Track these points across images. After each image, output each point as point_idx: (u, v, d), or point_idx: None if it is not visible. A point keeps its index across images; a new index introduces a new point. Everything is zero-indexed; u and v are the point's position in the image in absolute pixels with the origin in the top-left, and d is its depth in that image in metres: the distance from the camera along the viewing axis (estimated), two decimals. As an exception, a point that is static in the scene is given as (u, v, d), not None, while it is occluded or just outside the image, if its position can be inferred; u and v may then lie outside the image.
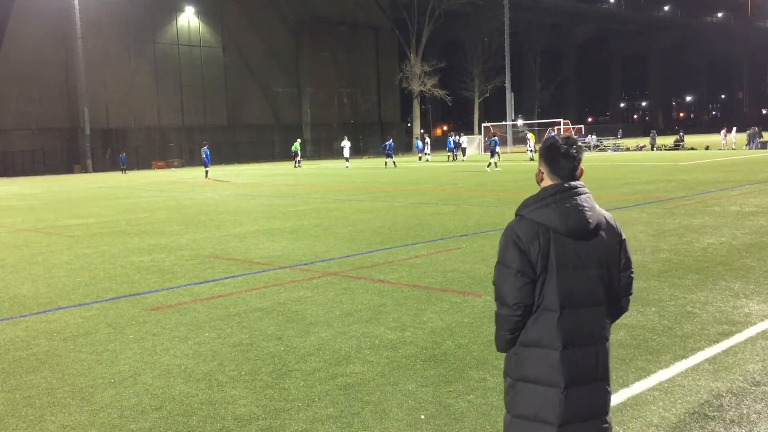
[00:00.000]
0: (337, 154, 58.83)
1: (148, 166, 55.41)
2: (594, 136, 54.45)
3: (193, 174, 39.15)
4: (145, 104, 57.53)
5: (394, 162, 40.43)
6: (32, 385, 5.11)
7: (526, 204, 2.55)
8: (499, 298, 2.56)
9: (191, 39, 60.96)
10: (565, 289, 2.45)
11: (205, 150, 35.20)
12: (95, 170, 52.25)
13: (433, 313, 6.62)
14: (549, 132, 51.70)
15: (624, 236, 2.62)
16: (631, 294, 2.67)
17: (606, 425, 2.51)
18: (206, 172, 34.94)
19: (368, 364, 5.26)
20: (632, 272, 2.65)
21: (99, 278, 9.10)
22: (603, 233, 2.53)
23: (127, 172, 48.53)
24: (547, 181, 2.57)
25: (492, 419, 4.18)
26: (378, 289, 7.78)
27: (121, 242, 12.44)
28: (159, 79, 58.39)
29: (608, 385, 2.54)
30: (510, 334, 2.54)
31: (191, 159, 57.36)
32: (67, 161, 53.25)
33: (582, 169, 2.58)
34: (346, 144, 43.01)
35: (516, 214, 2.58)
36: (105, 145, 55.24)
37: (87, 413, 4.52)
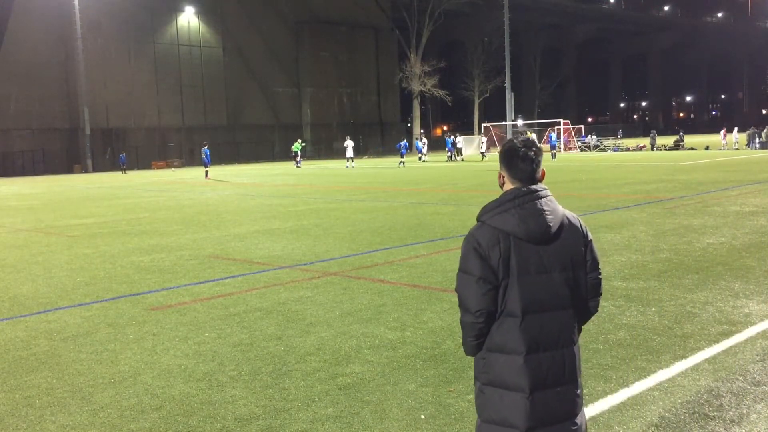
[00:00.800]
0: (337, 154, 58.92)
1: (148, 166, 55.43)
2: (594, 136, 54.43)
3: (193, 174, 39.18)
4: (145, 104, 57.55)
5: (403, 162, 40.85)
6: (32, 385, 5.11)
7: (486, 209, 2.54)
8: (463, 306, 2.56)
9: (191, 39, 60.98)
10: (528, 295, 2.43)
11: (205, 150, 35.28)
12: (95, 170, 52.27)
13: (433, 313, 6.62)
14: (548, 132, 51.68)
15: (590, 237, 2.59)
16: (600, 295, 2.63)
17: (575, 427, 2.49)
18: (206, 172, 34.99)
19: (368, 364, 5.26)
20: (600, 273, 2.61)
21: (99, 278, 9.10)
22: (566, 236, 2.50)
23: (127, 172, 48.55)
24: (509, 185, 2.56)
25: (492, 419, 4.18)
26: (378, 289, 7.78)
27: (121, 242, 12.44)
28: (159, 79, 58.42)
29: (577, 387, 2.52)
30: (475, 340, 2.54)
31: (191, 159, 57.41)
32: (67, 161, 53.28)
33: (544, 171, 2.57)
34: (349, 144, 43.07)
35: (477, 220, 2.56)
36: (105, 145, 55.26)
37: (87, 413, 4.52)
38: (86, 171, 51.85)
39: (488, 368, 2.52)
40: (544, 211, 2.46)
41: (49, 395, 4.87)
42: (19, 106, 51.66)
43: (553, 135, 45.56)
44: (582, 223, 2.59)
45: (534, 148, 2.53)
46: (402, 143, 44.22)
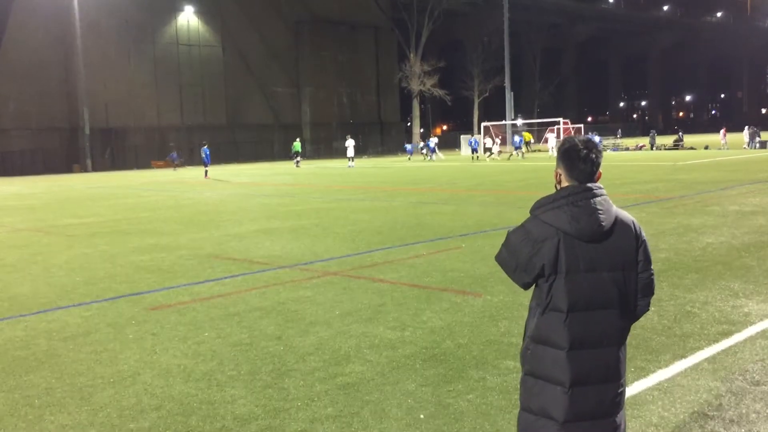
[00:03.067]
0: (337, 153, 58.92)
1: (147, 165, 55.38)
2: (596, 135, 54.41)
3: (194, 173, 39.17)
4: (145, 104, 57.47)
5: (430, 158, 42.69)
6: (31, 384, 5.11)
7: (540, 204, 2.55)
8: (503, 268, 2.66)
9: (191, 38, 60.91)
10: (575, 292, 2.45)
11: (205, 150, 35.35)
12: (94, 170, 52.22)
13: (433, 313, 6.62)
14: (548, 132, 51.67)
15: (644, 237, 2.59)
16: (651, 294, 2.64)
17: (614, 426, 2.51)
18: (206, 171, 35.01)
19: (368, 363, 5.26)
20: (652, 273, 2.62)
21: (98, 278, 9.10)
22: (618, 236, 2.51)
23: (177, 169, 49.35)
24: (565, 183, 2.56)
25: (491, 419, 4.18)
26: (377, 288, 7.78)
27: (120, 242, 12.44)
28: (158, 79, 58.34)
29: (619, 387, 2.53)
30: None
31: (191, 158, 57.32)
32: (66, 161, 53.21)
33: (600, 172, 2.57)
34: (350, 143, 43.18)
35: (530, 213, 2.59)
36: (104, 144, 55.20)
37: (86, 413, 4.52)
38: (85, 171, 51.80)
39: (532, 359, 2.56)
40: (598, 209, 2.46)
41: (48, 395, 4.87)
42: (18, 105, 51.60)
43: (516, 137, 46.23)
44: (636, 223, 2.59)
45: (595, 150, 2.54)
46: (432, 139, 47.85)
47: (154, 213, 17.67)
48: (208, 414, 4.42)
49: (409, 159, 49.48)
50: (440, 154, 48.96)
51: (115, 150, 56.06)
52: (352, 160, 42.53)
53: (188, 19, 60.58)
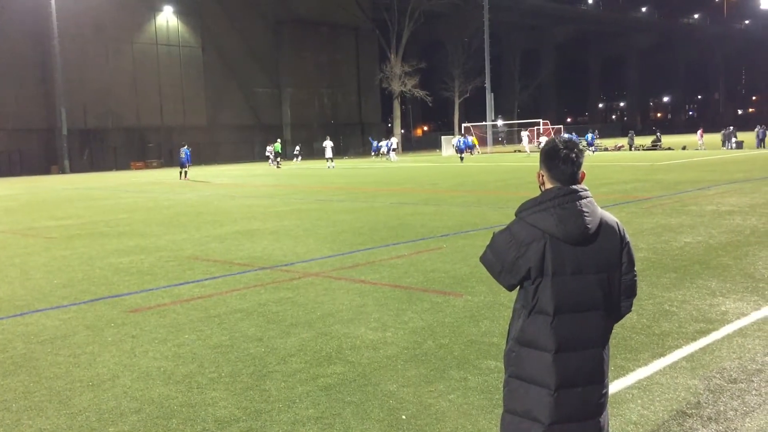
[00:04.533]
0: (318, 154, 58.75)
1: (126, 166, 54.91)
2: (574, 136, 54.80)
3: (175, 174, 38.85)
4: (124, 104, 56.94)
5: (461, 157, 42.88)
6: (8, 388, 5.04)
7: (525, 207, 2.55)
8: (488, 270, 2.67)
9: (170, 39, 60.47)
10: (561, 295, 2.46)
11: (185, 150, 35.31)
12: (73, 171, 51.67)
13: (414, 313, 6.63)
14: (523, 131, 52.05)
15: (628, 239, 2.60)
16: (634, 296, 2.66)
17: (598, 426, 2.53)
18: (185, 172, 34.93)
19: (349, 364, 5.25)
20: (635, 275, 2.63)
21: (77, 280, 9.00)
22: (603, 238, 2.51)
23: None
24: (549, 185, 2.56)
25: (473, 419, 4.20)
26: (359, 289, 7.77)
27: (99, 244, 12.32)
28: (137, 79, 57.83)
29: (603, 388, 2.55)
30: None
31: (170, 160, 56.92)
32: (44, 162, 52.58)
33: (584, 172, 2.58)
34: (328, 144, 43.26)
35: (515, 215, 2.58)
36: (82, 145, 54.61)
37: (65, 417, 4.47)
38: (64, 172, 51.22)
39: (517, 362, 2.55)
40: (584, 212, 2.47)
41: (26, 399, 4.81)
42: (-6, 106, 50.91)
43: (462, 139, 46.96)
44: (620, 225, 2.60)
45: (576, 150, 2.54)
46: (466, 138, 48.24)
47: (134, 214, 17.52)
48: (188, 417, 4.39)
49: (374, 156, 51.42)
50: (395, 156, 50.02)
51: (94, 151, 55.47)
52: (332, 161, 42.66)
53: (167, 18, 60.13)
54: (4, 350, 5.98)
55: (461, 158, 42.71)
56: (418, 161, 46.55)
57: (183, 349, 5.81)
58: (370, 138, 56.56)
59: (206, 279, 8.73)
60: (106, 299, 7.80)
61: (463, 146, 45.06)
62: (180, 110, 61.03)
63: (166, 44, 60.12)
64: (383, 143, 53.17)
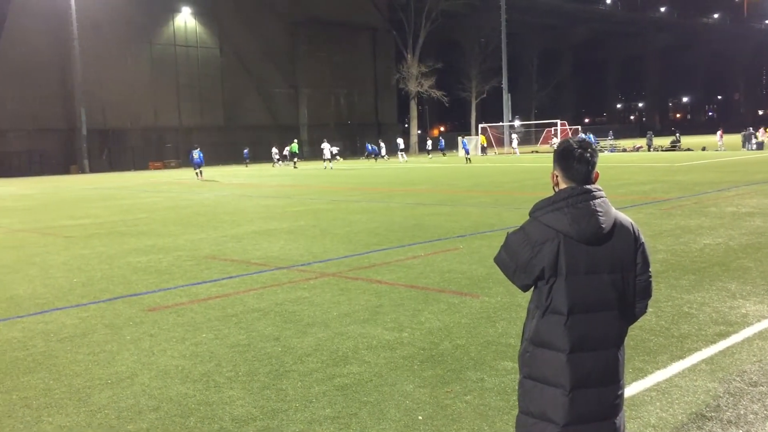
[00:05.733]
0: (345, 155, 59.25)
1: (145, 166, 55.34)
2: (590, 136, 54.55)
3: (192, 175, 39.11)
4: (142, 105, 57.46)
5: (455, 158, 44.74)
6: (29, 386, 5.10)
7: (539, 206, 2.55)
8: (502, 270, 2.67)
9: (188, 39, 60.92)
10: (575, 295, 2.46)
11: (198, 152, 35.89)
12: (92, 171, 52.18)
13: (431, 314, 6.62)
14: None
15: (642, 240, 2.59)
16: (649, 297, 2.64)
17: (613, 428, 2.52)
18: (201, 172, 35.66)
19: (366, 364, 5.26)
20: (650, 276, 2.61)
21: (96, 279, 9.09)
22: (617, 238, 2.51)
23: (249, 165, 51.18)
24: (563, 185, 2.56)
25: (489, 420, 4.18)
26: (375, 289, 7.78)
27: (118, 243, 12.42)
28: (156, 80, 58.35)
29: (619, 389, 2.54)
30: None
31: (188, 160, 57.33)
32: (63, 162, 53.18)
33: (597, 172, 2.57)
34: (326, 146, 44.56)
35: (529, 215, 2.59)
36: (102, 145, 55.17)
37: (84, 414, 4.51)
38: (83, 172, 51.75)
39: (532, 362, 2.55)
40: (598, 212, 2.46)
41: (46, 396, 4.86)
42: (15, 106, 51.55)
43: (466, 141, 47.92)
44: (634, 225, 2.59)
45: (590, 149, 2.54)
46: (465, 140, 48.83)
47: (152, 214, 17.66)
48: (206, 415, 4.42)
49: (375, 159, 51.89)
50: (385, 157, 51.73)
51: (113, 151, 55.99)
52: (330, 161, 43.71)
53: (186, 20, 60.59)
54: (25, 348, 6.05)
55: (467, 159, 43.44)
56: (435, 162, 46.48)
57: (200, 347, 5.84)
58: (366, 144, 57.56)
59: (223, 278, 8.77)
60: (125, 298, 7.87)
61: (467, 147, 46.04)
62: (198, 110, 61.46)
63: (184, 45, 60.58)
64: (383, 145, 55.29)
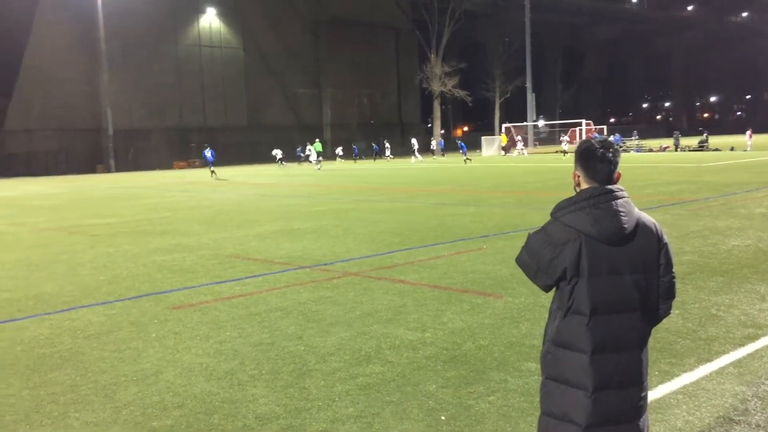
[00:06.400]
0: (364, 154, 59.29)
1: (169, 166, 55.88)
2: (618, 136, 54.07)
3: (211, 174, 39.41)
4: (167, 105, 58.05)
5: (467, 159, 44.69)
6: (56, 382, 5.16)
7: (560, 206, 2.54)
8: (524, 271, 2.66)
9: (212, 40, 61.42)
10: (597, 295, 2.43)
11: (210, 150, 37.18)
12: (117, 170, 52.81)
13: (454, 314, 6.59)
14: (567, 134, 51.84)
15: (666, 240, 2.56)
16: (672, 298, 2.61)
17: (638, 430, 2.49)
18: (213, 171, 36.73)
19: (388, 364, 5.25)
20: (674, 277, 2.58)
21: (122, 277, 9.19)
22: (640, 238, 2.48)
23: (377, 160, 53.63)
24: (584, 185, 2.54)
25: (513, 421, 4.16)
26: (398, 289, 7.77)
27: (143, 241, 12.55)
28: (181, 80, 58.93)
29: (642, 391, 2.51)
30: None
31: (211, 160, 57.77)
32: (89, 161, 53.90)
33: (619, 173, 2.55)
34: (317, 147, 45.45)
35: (550, 215, 2.57)
36: (127, 145, 55.81)
37: (110, 410, 4.56)
38: (109, 171, 52.40)
39: (554, 363, 2.53)
40: (620, 212, 2.44)
41: (73, 392, 4.92)
42: (43, 107, 52.39)
43: (462, 143, 49.13)
44: (657, 226, 2.57)
45: (612, 149, 2.52)
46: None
47: (176, 213, 17.82)
48: (230, 413, 4.44)
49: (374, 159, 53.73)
50: (418, 156, 51.61)
51: (138, 150, 56.61)
52: (319, 163, 44.34)
53: (210, 20, 61.08)
54: (52, 345, 6.13)
55: (465, 160, 44.48)
56: (458, 161, 46.35)
57: (224, 346, 5.88)
58: (372, 144, 58.56)
59: (247, 277, 8.82)
60: (150, 296, 7.94)
61: (465, 149, 47.46)
62: (221, 110, 61.94)
63: (209, 45, 61.10)
64: (388, 145, 55.97)
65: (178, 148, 58.39)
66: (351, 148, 58.05)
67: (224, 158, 56.61)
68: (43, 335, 6.45)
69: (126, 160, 55.22)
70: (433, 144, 55.51)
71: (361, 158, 57.15)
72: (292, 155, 54.77)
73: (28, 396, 4.89)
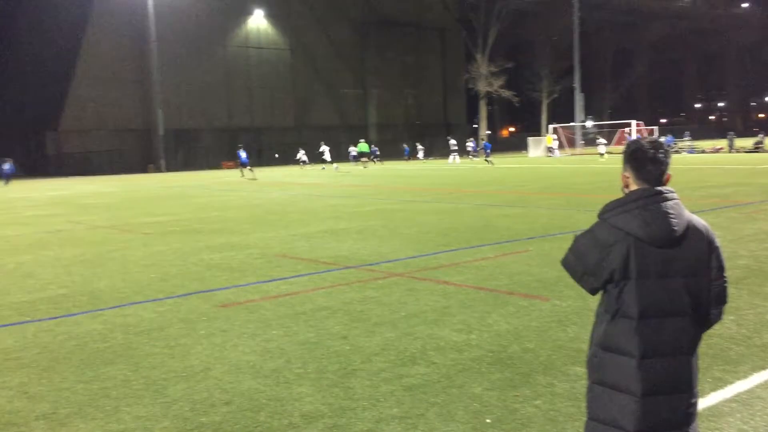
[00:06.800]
0: (398, 155, 59.21)
1: (218, 165, 56.79)
2: (670, 137, 52.92)
3: (265, 174, 40.03)
4: (216, 105, 59.04)
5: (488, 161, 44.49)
6: (109, 376, 5.30)
7: (609, 207, 2.50)
8: (570, 273, 2.65)
9: (260, 41, 62.21)
10: (646, 298, 2.39)
11: (244, 151, 37.96)
12: (168, 170, 53.92)
13: (499, 316, 6.55)
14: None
15: (717, 244, 2.50)
16: (724, 303, 2.55)
17: None
18: (243, 171, 37.45)
19: (433, 365, 5.24)
20: (725, 281, 2.52)
21: (172, 275, 9.38)
22: (690, 241, 2.43)
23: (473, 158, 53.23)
24: (633, 187, 2.50)
25: (560, 426, 4.11)
26: (443, 290, 7.75)
27: (192, 240, 12.79)
28: (229, 81, 59.85)
29: (692, 397, 2.46)
30: None
31: (259, 159, 58.48)
32: (141, 161, 55.16)
33: (669, 174, 2.50)
34: (325, 149, 45.80)
35: (598, 217, 2.54)
36: (177, 145, 56.95)
37: (160, 405, 4.66)
38: (159, 170, 53.54)
39: (601, 367, 2.50)
40: (670, 214, 2.40)
41: (124, 387, 5.05)
42: (97, 107, 53.83)
43: (470, 143, 50.01)
44: (709, 229, 2.51)
45: (662, 150, 2.48)
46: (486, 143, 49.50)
47: (225, 212, 18.10)
48: (276, 410, 4.49)
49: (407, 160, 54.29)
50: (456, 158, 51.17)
51: (188, 150, 57.70)
52: (331, 163, 44.56)
53: (258, 22, 61.88)
54: (105, 340, 6.30)
55: (486, 161, 44.32)
56: (504, 162, 45.97)
57: (271, 344, 5.95)
58: (404, 146, 58.40)
59: (293, 276, 8.91)
60: (199, 294, 8.09)
61: (474, 149, 47.69)
62: (269, 111, 62.69)
63: (257, 47, 61.89)
64: (421, 148, 56.71)
65: (226, 148, 59.28)
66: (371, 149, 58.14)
67: (271, 158, 57.29)
68: (97, 330, 6.63)
69: (176, 160, 56.35)
70: (469, 145, 52.13)
71: (408, 159, 56.94)
72: (335, 156, 55.03)
73: (81, 390, 5.03)
